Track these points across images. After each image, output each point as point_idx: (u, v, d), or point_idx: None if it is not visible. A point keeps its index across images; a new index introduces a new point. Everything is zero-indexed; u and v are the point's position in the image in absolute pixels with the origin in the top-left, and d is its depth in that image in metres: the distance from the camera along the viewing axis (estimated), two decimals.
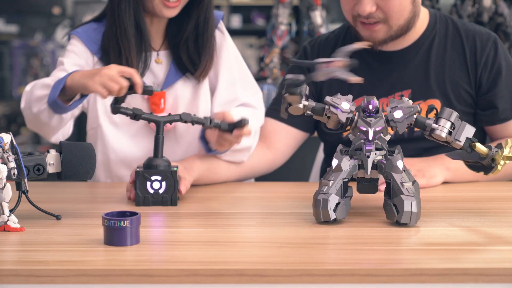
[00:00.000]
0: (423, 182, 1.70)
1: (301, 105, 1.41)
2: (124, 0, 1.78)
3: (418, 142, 1.85)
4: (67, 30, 5.62)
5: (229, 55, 1.92)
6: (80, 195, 1.71)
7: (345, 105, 1.41)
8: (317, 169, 2.24)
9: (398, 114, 1.39)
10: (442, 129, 1.39)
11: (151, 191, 1.53)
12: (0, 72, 5.36)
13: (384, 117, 1.40)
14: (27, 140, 5.30)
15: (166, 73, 1.87)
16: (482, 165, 1.42)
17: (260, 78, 3.42)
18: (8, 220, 1.32)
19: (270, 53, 3.48)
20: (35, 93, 1.71)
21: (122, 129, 1.87)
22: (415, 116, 1.40)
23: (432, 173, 1.72)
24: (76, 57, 1.83)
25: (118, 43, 1.79)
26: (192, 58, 1.86)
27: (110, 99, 1.60)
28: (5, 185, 1.31)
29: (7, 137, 1.33)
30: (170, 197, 1.53)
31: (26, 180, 1.35)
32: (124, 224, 1.20)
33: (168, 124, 1.84)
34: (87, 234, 1.29)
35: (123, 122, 1.86)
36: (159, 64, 1.88)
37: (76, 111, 1.76)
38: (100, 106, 1.85)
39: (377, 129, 1.39)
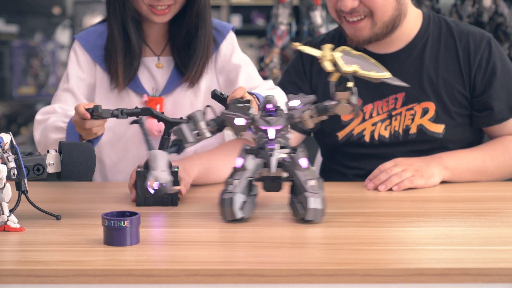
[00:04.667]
0: (422, 182, 1.69)
1: (208, 134, 1.45)
2: (112, 3, 1.81)
3: (413, 145, 1.84)
4: (69, 32, 5.63)
5: (241, 62, 1.90)
6: (80, 195, 1.71)
7: (238, 121, 1.43)
8: (316, 170, 2.24)
9: (294, 103, 1.41)
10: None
11: (152, 191, 1.53)
12: (0, 72, 5.36)
13: (284, 116, 1.41)
14: (27, 140, 5.30)
15: (167, 79, 1.87)
16: (340, 83, 1.39)
17: None
18: (8, 220, 1.31)
19: (270, 53, 3.48)
20: (50, 136, 1.72)
21: (116, 135, 1.87)
22: (313, 105, 1.41)
23: (430, 172, 1.72)
24: (78, 69, 1.86)
25: (108, 45, 1.83)
26: (183, 63, 1.85)
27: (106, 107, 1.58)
28: (5, 185, 1.31)
29: (7, 137, 1.33)
30: (171, 197, 1.53)
31: (26, 180, 1.35)
32: (123, 224, 1.20)
33: (156, 133, 1.82)
34: (87, 234, 1.29)
35: (118, 129, 1.86)
36: (160, 69, 1.87)
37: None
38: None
39: (277, 128, 1.40)
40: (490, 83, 1.81)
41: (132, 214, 1.24)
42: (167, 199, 1.53)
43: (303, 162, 1.38)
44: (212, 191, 1.71)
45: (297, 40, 4.00)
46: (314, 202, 1.34)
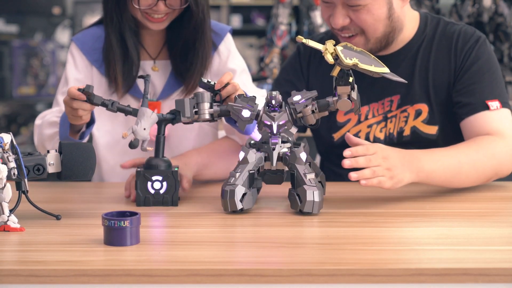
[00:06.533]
0: (388, 186, 1.51)
1: (207, 116, 1.49)
2: (109, 12, 1.79)
3: (407, 147, 1.78)
4: (69, 32, 5.63)
5: (237, 67, 1.90)
6: (80, 195, 1.71)
7: (245, 113, 1.48)
8: None
9: (296, 97, 1.47)
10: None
11: (152, 191, 1.53)
12: (0, 72, 5.36)
13: (287, 111, 1.47)
14: (27, 140, 5.30)
15: (164, 83, 1.86)
16: (341, 77, 1.46)
17: (260, 78, 3.43)
18: (8, 220, 1.32)
19: (270, 53, 3.48)
20: (44, 132, 1.76)
21: (114, 139, 1.87)
22: (315, 101, 1.47)
23: (400, 177, 1.53)
24: (76, 72, 1.86)
25: (106, 53, 1.82)
26: (179, 72, 1.84)
27: (102, 110, 1.61)
28: (5, 185, 1.31)
29: (7, 137, 1.33)
30: (171, 197, 1.53)
31: (26, 180, 1.35)
32: (124, 224, 1.20)
33: (153, 137, 1.83)
34: (87, 234, 1.29)
35: (116, 132, 1.85)
36: (156, 73, 1.87)
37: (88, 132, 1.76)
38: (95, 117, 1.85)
39: (280, 123, 1.47)
40: (462, 75, 1.78)
41: (132, 214, 1.24)
42: (168, 199, 1.53)
43: (303, 156, 1.43)
44: (212, 191, 1.71)
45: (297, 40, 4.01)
46: (311, 195, 1.39)
